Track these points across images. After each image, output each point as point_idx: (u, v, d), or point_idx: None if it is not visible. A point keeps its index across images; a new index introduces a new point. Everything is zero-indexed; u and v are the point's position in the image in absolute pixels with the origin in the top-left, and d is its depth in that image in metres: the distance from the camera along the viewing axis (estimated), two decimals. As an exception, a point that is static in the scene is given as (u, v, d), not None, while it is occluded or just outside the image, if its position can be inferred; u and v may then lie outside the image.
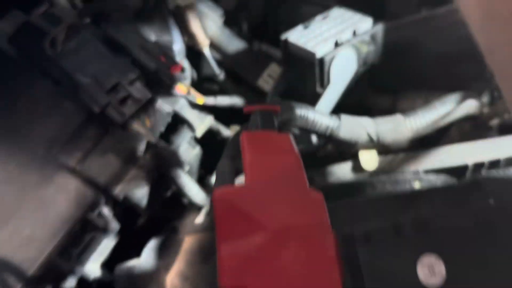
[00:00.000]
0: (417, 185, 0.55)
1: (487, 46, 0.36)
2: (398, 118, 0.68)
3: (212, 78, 0.97)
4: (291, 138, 0.49)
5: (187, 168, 0.76)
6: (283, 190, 0.40)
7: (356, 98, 0.92)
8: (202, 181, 0.96)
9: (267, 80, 0.91)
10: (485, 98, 0.70)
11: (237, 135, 0.62)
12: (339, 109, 0.86)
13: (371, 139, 0.66)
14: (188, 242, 0.83)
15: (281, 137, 0.49)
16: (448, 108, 0.69)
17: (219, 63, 0.94)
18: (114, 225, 0.70)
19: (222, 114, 0.91)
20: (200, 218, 0.78)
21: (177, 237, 0.83)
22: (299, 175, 0.43)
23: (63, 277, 0.70)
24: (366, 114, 1.07)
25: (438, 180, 0.57)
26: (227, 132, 0.88)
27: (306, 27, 0.83)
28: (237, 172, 0.69)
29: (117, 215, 0.72)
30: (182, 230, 0.83)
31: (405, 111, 0.97)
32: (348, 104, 0.87)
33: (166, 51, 0.73)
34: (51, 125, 0.70)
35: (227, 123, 0.92)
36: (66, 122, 0.71)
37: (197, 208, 0.79)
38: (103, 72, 0.67)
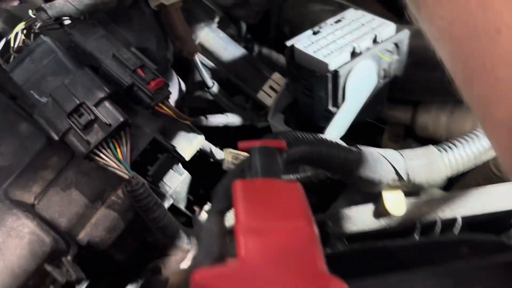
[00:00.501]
0: (463, 250, 0.42)
1: (463, 75, 0.26)
2: (431, 151, 0.54)
3: (204, 88, 0.83)
4: (301, 189, 0.36)
5: (170, 202, 0.63)
6: (290, 277, 0.28)
7: (371, 112, 0.79)
8: (191, 207, 0.84)
9: (268, 93, 0.78)
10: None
11: (229, 178, 0.49)
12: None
13: (399, 178, 0.53)
14: (173, 282, 0.72)
15: (288, 188, 0.36)
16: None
17: (212, 72, 0.80)
18: (79, 276, 0.57)
19: (215, 133, 0.78)
20: (186, 263, 0.65)
21: (159, 279, 0.72)
22: (313, 253, 0.30)
23: None
24: (380, 127, 0.95)
25: (487, 243, 0.44)
26: (220, 154, 0.75)
27: (316, 33, 0.69)
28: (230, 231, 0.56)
29: (84, 262, 0.59)
30: (165, 270, 0.71)
31: (426, 125, 0.86)
32: (358, 118, 0.74)
33: (145, 62, 0.59)
34: (2, 151, 0.57)
35: (220, 143, 0.79)
36: (21, 148, 0.58)
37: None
38: (63, 89, 0.54)
